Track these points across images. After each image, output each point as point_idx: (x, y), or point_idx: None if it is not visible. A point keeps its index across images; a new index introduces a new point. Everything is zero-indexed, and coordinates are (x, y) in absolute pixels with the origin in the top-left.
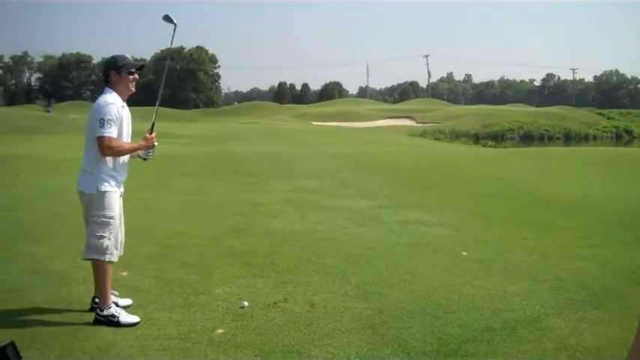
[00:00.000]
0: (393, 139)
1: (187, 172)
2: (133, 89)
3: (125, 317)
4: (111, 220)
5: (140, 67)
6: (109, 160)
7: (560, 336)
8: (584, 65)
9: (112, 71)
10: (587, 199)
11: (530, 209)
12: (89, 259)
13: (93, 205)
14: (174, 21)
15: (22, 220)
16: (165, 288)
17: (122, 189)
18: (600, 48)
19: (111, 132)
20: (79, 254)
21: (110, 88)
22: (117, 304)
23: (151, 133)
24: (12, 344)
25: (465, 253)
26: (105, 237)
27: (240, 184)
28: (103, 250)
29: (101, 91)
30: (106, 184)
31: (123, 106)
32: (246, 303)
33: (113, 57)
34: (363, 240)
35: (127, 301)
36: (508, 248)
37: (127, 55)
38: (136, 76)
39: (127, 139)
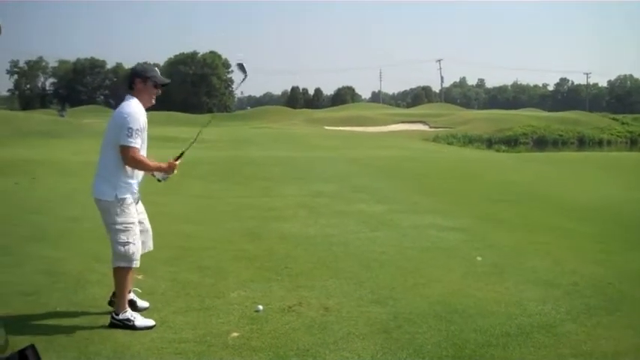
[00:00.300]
0: (406, 144)
1: (201, 176)
2: (154, 102)
3: (141, 321)
4: (132, 226)
5: (166, 84)
6: (121, 163)
7: (576, 341)
8: (597, 70)
9: (139, 79)
10: (603, 204)
11: (546, 214)
12: (120, 268)
13: (111, 212)
14: (246, 72)
15: (39, 223)
16: (181, 291)
17: (138, 193)
18: (614, 52)
19: (137, 142)
20: (95, 257)
21: (133, 95)
22: (135, 302)
23: (176, 160)
24: (32, 347)
25: (479, 258)
26: (130, 242)
27: (254, 188)
28: (130, 257)
29: (120, 97)
30: (124, 190)
31: (145, 116)
32: (260, 307)
33: (141, 65)
34: (376, 244)
35: (145, 304)
36: (523, 253)
37: (156, 69)
38: (159, 90)
39: (144, 150)
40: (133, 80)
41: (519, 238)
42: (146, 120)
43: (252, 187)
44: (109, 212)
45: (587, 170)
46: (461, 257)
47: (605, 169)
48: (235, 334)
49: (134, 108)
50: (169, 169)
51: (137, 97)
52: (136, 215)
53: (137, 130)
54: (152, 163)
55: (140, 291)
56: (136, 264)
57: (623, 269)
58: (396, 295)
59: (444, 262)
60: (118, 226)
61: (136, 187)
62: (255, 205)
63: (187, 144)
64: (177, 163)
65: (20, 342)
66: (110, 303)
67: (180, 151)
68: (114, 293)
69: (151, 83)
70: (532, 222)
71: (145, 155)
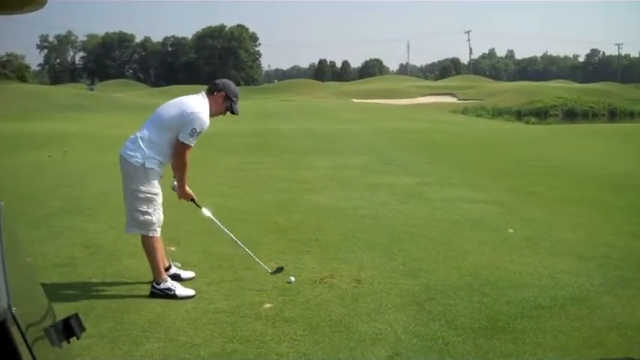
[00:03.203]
0: (434, 116)
1: (230, 149)
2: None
3: (181, 290)
4: (156, 197)
5: (233, 112)
6: (165, 146)
7: (611, 314)
8: (629, 40)
9: (223, 94)
10: (636, 177)
11: (577, 186)
12: (145, 238)
13: (136, 179)
14: None
15: (74, 197)
16: (214, 263)
17: (162, 171)
18: None
19: (194, 142)
20: None
21: (207, 97)
22: (179, 276)
23: (191, 199)
24: (76, 316)
25: (511, 230)
26: (149, 213)
27: (283, 161)
28: (147, 226)
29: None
30: (152, 163)
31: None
32: (292, 278)
33: (234, 87)
34: (407, 217)
35: (190, 274)
36: (555, 226)
37: (238, 98)
38: (225, 114)
39: None
40: (219, 91)
41: (551, 210)
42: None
43: (281, 160)
44: (133, 177)
45: (619, 142)
46: (492, 230)
47: (637, 140)
48: (268, 305)
49: (205, 110)
50: (184, 195)
51: (210, 102)
52: (159, 188)
53: (200, 132)
54: (185, 175)
55: (180, 265)
56: (153, 233)
57: None
58: (427, 268)
59: (475, 235)
60: (140, 194)
61: (163, 164)
62: (285, 177)
63: (210, 214)
64: (188, 199)
65: (57, 312)
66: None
67: (198, 206)
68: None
69: (227, 104)
70: (564, 194)
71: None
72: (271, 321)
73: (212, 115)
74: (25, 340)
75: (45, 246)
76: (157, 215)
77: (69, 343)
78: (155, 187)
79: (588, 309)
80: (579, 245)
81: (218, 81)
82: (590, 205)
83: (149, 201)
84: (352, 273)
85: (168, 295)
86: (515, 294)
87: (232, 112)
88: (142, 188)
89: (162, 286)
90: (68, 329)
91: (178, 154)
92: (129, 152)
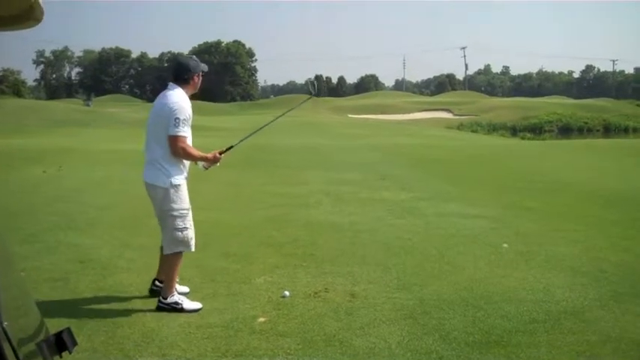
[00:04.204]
0: (430, 132)
1: (225, 164)
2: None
3: (188, 304)
4: (188, 212)
5: (203, 71)
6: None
7: (604, 328)
8: (624, 57)
9: (194, 74)
10: (630, 192)
11: (572, 201)
12: (174, 253)
13: (168, 199)
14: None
15: (67, 211)
16: (208, 277)
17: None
18: None
19: (185, 132)
20: (123, 244)
21: (178, 85)
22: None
23: (221, 153)
24: (68, 330)
25: (505, 245)
26: (187, 228)
27: (279, 176)
28: (188, 242)
29: (161, 87)
30: (178, 177)
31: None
32: (287, 292)
33: (194, 61)
34: (402, 231)
35: (185, 289)
36: (550, 240)
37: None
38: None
39: (190, 138)
40: (187, 74)
41: (545, 225)
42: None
43: (277, 175)
44: (164, 199)
45: (613, 158)
46: (487, 244)
47: (632, 156)
48: (262, 319)
49: (180, 98)
50: (214, 161)
51: (184, 89)
52: (189, 201)
53: (185, 120)
54: (197, 152)
55: (178, 280)
56: (192, 248)
57: None
58: (421, 282)
59: (470, 249)
60: (174, 213)
61: (186, 173)
62: (280, 192)
63: (237, 140)
64: (221, 156)
65: (50, 326)
66: (151, 290)
67: (229, 146)
68: (154, 281)
69: (200, 76)
70: (558, 209)
71: (191, 144)
72: (265, 335)
73: (192, 93)
74: (17, 355)
75: (39, 261)
76: (193, 229)
77: (61, 357)
78: (186, 203)
79: (582, 323)
80: (573, 260)
81: (180, 67)
82: (584, 220)
83: (184, 217)
84: (347, 287)
85: (176, 308)
86: (510, 308)
87: (203, 72)
88: (175, 207)
89: (169, 300)
90: (60, 343)
91: (175, 148)
92: (153, 177)
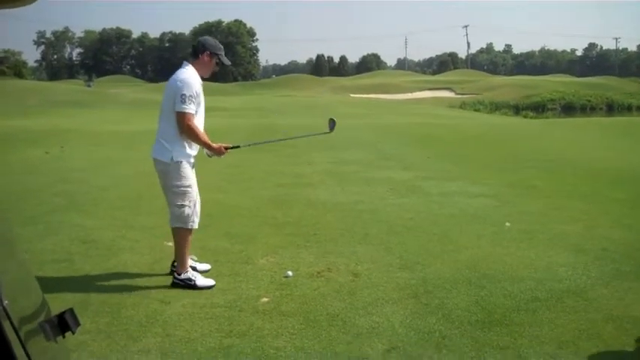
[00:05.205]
0: (432, 111)
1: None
2: (208, 75)
3: (202, 281)
4: (189, 189)
5: (224, 64)
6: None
7: (607, 306)
8: (627, 34)
9: (207, 53)
10: (634, 170)
11: (575, 180)
12: (180, 230)
13: (169, 175)
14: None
15: (70, 192)
16: (211, 257)
17: (194, 160)
18: None
19: (191, 108)
20: (126, 225)
21: (190, 64)
22: (195, 269)
23: (227, 149)
24: (71, 311)
25: (508, 224)
26: (185, 205)
27: (281, 156)
28: (185, 219)
29: (176, 65)
30: (180, 154)
31: (201, 84)
32: (290, 272)
33: (214, 41)
34: (404, 211)
35: (206, 266)
36: (552, 219)
37: (222, 48)
38: (218, 68)
39: (201, 116)
40: (202, 52)
41: (548, 204)
42: (201, 87)
43: (279, 155)
44: (166, 174)
45: (616, 136)
46: (489, 223)
47: (635, 134)
48: (265, 300)
49: (189, 74)
50: (217, 152)
51: (195, 67)
52: (192, 179)
53: (190, 96)
54: (203, 136)
55: (196, 259)
56: (192, 225)
57: None
58: (424, 261)
59: (473, 228)
60: (174, 189)
61: (192, 153)
62: (282, 172)
63: (249, 142)
64: (226, 151)
65: (54, 307)
66: (172, 271)
67: (237, 145)
68: (174, 262)
69: (215, 58)
70: (561, 188)
71: (202, 120)
72: (268, 315)
73: (204, 74)
74: (18, 335)
75: (42, 242)
76: (192, 207)
77: (64, 337)
78: (188, 180)
79: (585, 301)
80: (576, 238)
81: (197, 42)
82: (587, 199)
83: (184, 194)
84: (349, 267)
85: (189, 284)
86: (512, 287)
87: (223, 64)
88: (177, 183)
89: (182, 276)
90: (63, 324)
91: (180, 124)
92: (157, 153)
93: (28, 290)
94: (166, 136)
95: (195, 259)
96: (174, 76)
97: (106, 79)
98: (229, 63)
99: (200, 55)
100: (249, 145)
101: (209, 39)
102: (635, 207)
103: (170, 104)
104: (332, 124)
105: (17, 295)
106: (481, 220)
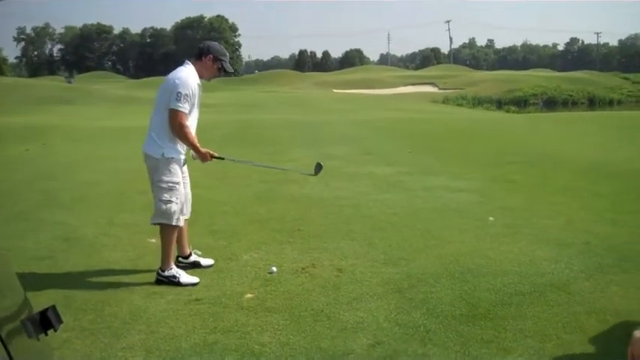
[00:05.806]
0: (415, 106)
1: (211, 141)
2: (208, 79)
3: (185, 278)
4: (177, 186)
5: (226, 71)
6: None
7: (590, 299)
8: (608, 29)
9: (211, 56)
10: (616, 164)
11: (558, 175)
12: (157, 224)
13: (158, 170)
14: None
15: (52, 189)
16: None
17: (184, 156)
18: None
19: (185, 107)
20: (109, 222)
21: (191, 63)
22: (199, 263)
23: (212, 157)
24: (53, 308)
25: (491, 219)
26: (172, 202)
27: (264, 152)
28: (170, 215)
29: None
30: (171, 151)
31: (199, 85)
32: (274, 268)
33: (220, 46)
34: (388, 206)
35: (209, 261)
36: (535, 214)
37: (227, 56)
38: (220, 75)
39: (195, 117)
40: (205, 54)
41: (531, 198)
42: (198, 87)
43: (262, 151)
44: (155, 169)
45: (598, 130)
46: (473, 218)
47: (616, 129)
48: (250, 295)
49: (187, 73)
50: (202, 157)
51: (196, 67)
52: (181, 176)
53: (186, 95)
54: (192, 138)
55: (200, 253)
56: (176, 222)
57: (636, 228)
58: (408, 256)
59: (456, 223)
60: (162, 184)
61: (182, 150)
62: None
63: (236, 157)
64: (211, 158)
65: (36, 305)
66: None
67: (222, 156)
68: (177, 257)
69: (218, 64)
70: (544, 182)
71: (195, 121)
72: (253, 311)
73: (205, 78)
74: None
75: (24, 239)
76: (179, 204)
77: (47, 335)
78: (176, 177)
79: (568, 295)
80: (559, 232)
81: (203, 44)
82: (569, 193)
83: (171, 190)
84: (334, 262)
85: (173, 281)
86: (496, 281)
87: (225, 71)
88: (165, 178)
89: (166, 273)
90: (45, 321)
91: (172, 122)
92: (148, 147)
93: (8, 287)
94: (158, 132)
95: (200, 253)
96: (172, 73)
97: (88, 75)
98: (232, 70)
99: (203, 58)
100: (232, 160)
101: (215, 43)
102: (617, 201)
103: (165, 100)
104: (318, 168)
105: None
106: (464, 215)
